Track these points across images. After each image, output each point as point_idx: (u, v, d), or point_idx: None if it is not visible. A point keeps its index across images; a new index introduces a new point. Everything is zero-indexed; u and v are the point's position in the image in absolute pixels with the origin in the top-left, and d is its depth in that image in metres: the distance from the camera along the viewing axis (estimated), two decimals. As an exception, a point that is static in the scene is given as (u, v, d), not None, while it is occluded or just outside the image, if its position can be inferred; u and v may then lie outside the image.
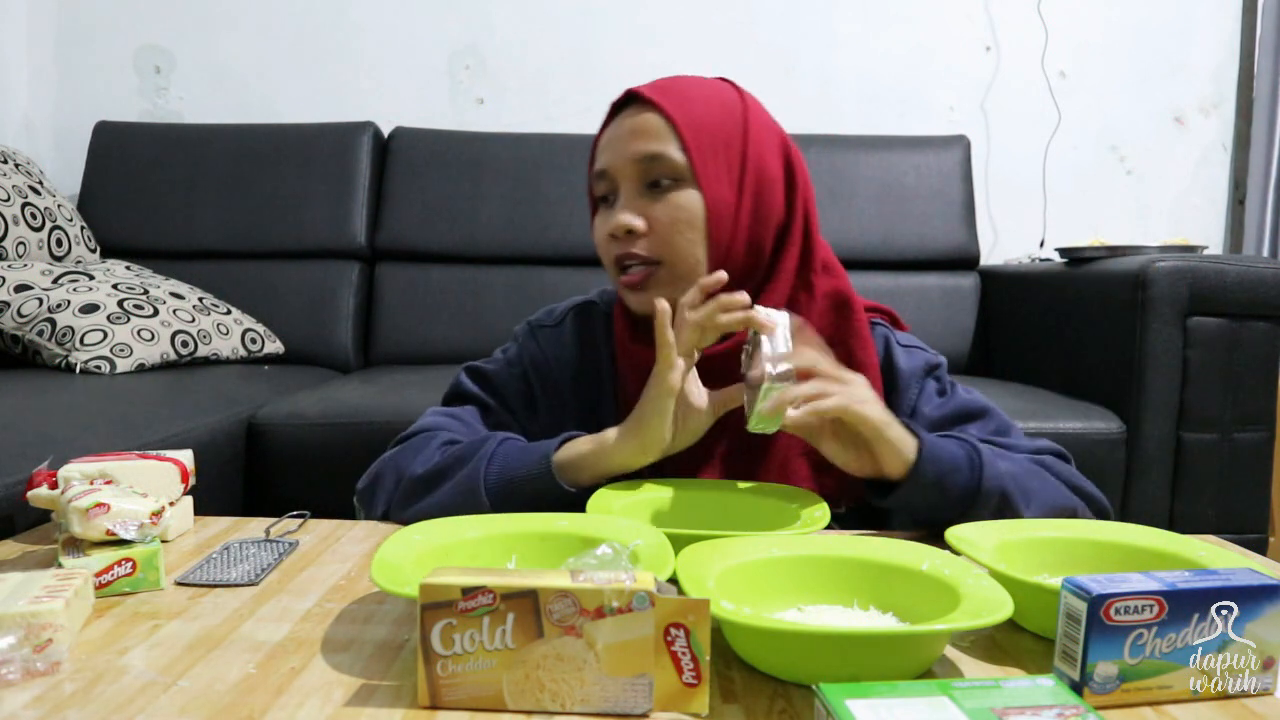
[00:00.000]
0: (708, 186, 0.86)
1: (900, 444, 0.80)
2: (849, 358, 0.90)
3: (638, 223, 0.87)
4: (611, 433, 0.84)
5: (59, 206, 2.00)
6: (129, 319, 1.75)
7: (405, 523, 0.83)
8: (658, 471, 0.89)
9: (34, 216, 1.91)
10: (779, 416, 0.76)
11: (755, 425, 0.78)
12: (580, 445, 0.84)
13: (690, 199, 0.87)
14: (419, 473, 0.87)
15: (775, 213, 0.89)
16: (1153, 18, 2.48)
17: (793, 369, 0.76)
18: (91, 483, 0.76)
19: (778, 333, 0.78)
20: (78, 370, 1.64)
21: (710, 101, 0.89)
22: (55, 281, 1.79)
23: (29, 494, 0.80)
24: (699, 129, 0.87)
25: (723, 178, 0.87)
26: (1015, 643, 0.63)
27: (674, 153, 0.86)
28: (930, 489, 0.80)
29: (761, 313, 0.79)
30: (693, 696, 0.51)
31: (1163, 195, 2.53)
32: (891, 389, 0.94)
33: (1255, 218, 2.44)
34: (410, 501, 0.87)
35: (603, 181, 0.90)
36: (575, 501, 0.82)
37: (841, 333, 0.92)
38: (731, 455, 0.92)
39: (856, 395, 0.79)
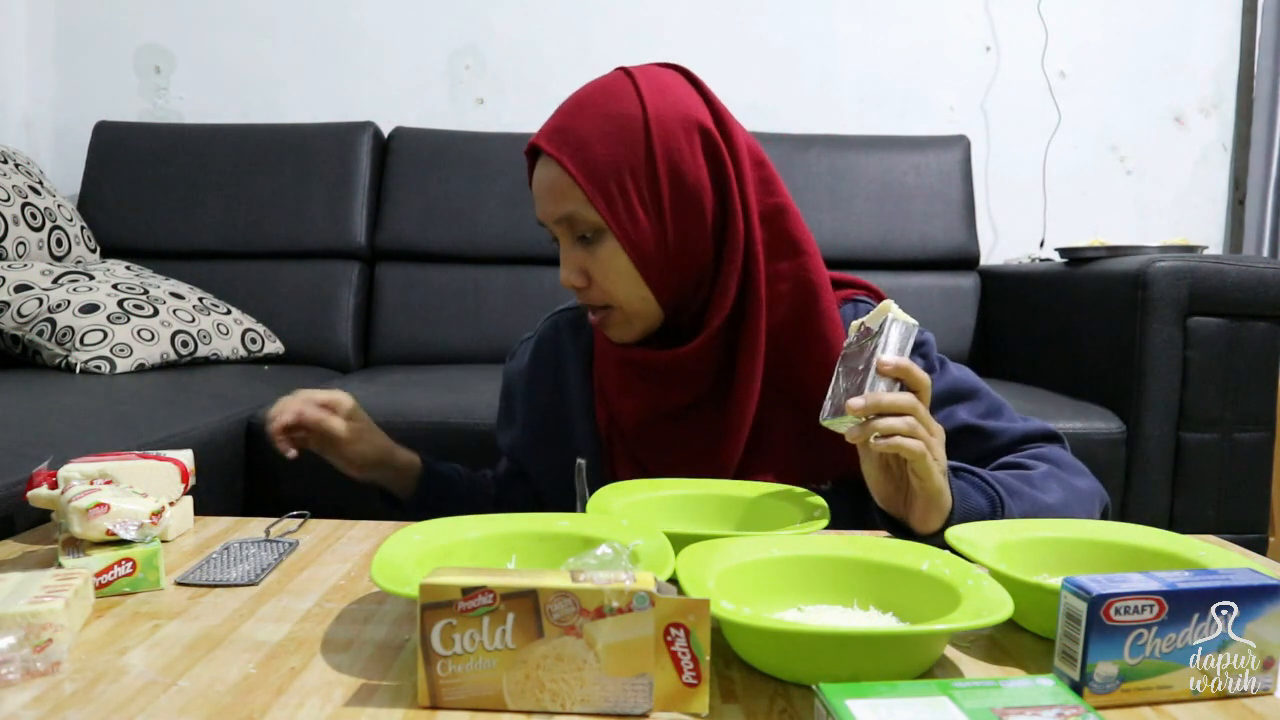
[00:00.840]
0: (623, 234, 0.85)
1: (941, 511, 0.77)
2: (819, 341, 0.89)
3: (578, 281, 0.89)
4: None
5: (59, 206, 2.00)
6: (129, 319, 1.74)
7: None
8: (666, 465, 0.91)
9: (34, 216, 1.91)
10: (852, 427, 0.73)
11: (830, 422, 0.76)
12: None
13: (614, 251, 0.87)
14: None
15: (706, 213, 0.87)
16: (1152, 18, 2.48)
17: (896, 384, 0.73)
18: (91, 483, 0.76)
19: (894, 340, 0.74)
20: (78, 370, 1.64)
21: (608, 131, 0.85)
22: (55, 281, 1.79)
23: (29, 494, 0.80)
24: (601, 173, 0.84)
25: (637, 213, 0.85)
26: (1015, 643, 0.63)
27: (584, 209, 0.86)
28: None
29: (893, 311, 0.75)
30: (693, 696, 0.51)
31: (1163, 195, 2.53)
32: None
33: (1255, 218, 2.44)
34: None
35: (544, 228, 0.92)
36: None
37: (807, 313, 0.90)
38: (713, 426, 0.92)
39: (937, 452, 0.75)
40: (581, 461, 0.92)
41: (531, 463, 1.05)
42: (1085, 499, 0.87)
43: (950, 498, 0.77)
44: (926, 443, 0.73)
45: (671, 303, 0.90)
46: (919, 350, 0.95)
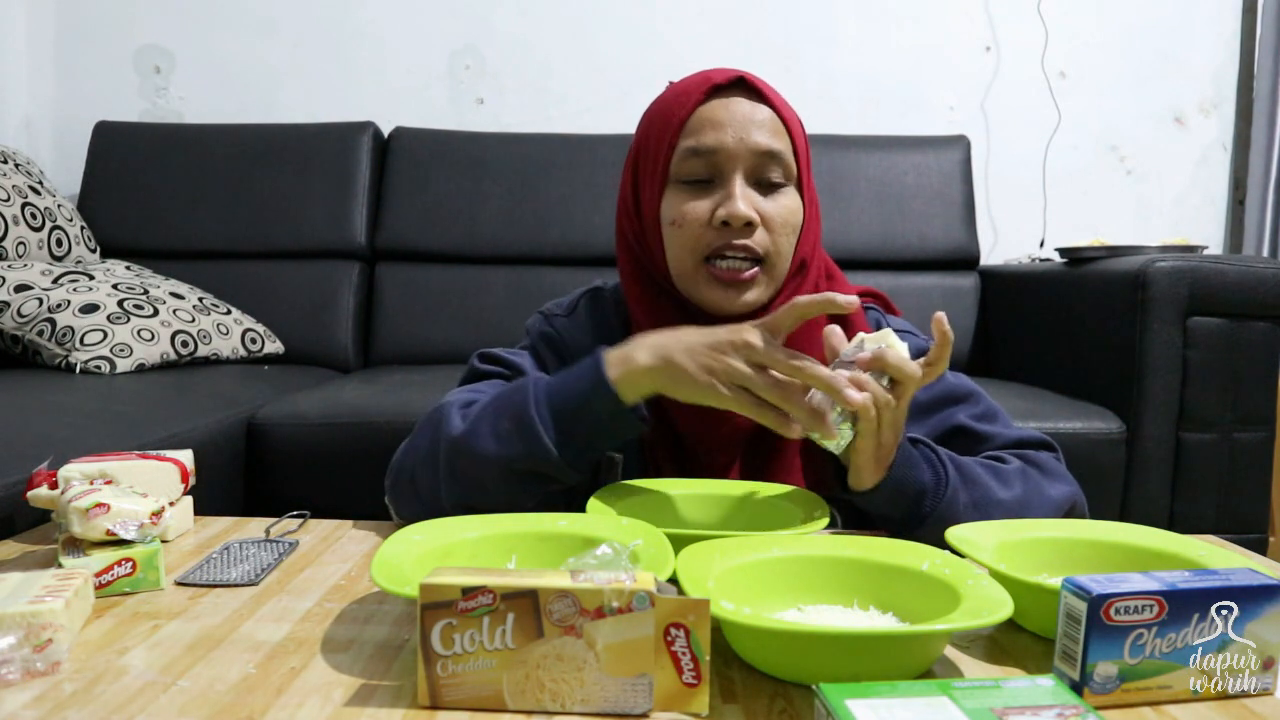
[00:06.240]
0: (805, 192, 0.90)
1: (877, 473, 0.77)
2: None
3: (756, 217, 0.86)
4: (646, 356, 0.76)
5: (59, 206, 2.00)
6: (129, 319, 1.75)
7: (462, 493, 0.79)
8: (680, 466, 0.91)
9: (34, 216, 1.91)
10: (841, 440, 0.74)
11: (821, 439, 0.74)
12: (614, 368, 0.77)
13: (795, 202, 0.89)
14: (457, 433, 0.79)
15: (817, 226, 0.94)
16: (1152, 17, 2.48)
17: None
18: (91, 483, 0.77)
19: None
20: (78, 370, 1.64)
21: (792, 110, 0.92)
22: (55, 281, 1.79)
23: (29, 494, 0.80)
24: (801, 137, 0.90)
25: (807, 188, 0.91)
26: (1015, 643, 0.63)
27: (788, 154, 0.88)
28: (890, 502, 0.79)
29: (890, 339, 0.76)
30: (693, 696, 0.51)
31: (1163, 195, 2.53)
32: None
33: (1255, 218, 2.44)
34: (457, 463, 0.79)
35: (700, 161, 0.87)
36: (631, 423, 0.77)
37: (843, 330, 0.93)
38: (749, 443, 0.93)
39: (885, 420, 0.75)
40: (616, 456, 0.90)
41: None
42: (1047, 501, 0.85)
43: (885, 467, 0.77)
44: (889, 426, 0.74)
45: (779, 286, 0.91)
46: (921, 357, 0.95)
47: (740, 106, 0.87)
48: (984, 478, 0.83)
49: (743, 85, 0.89)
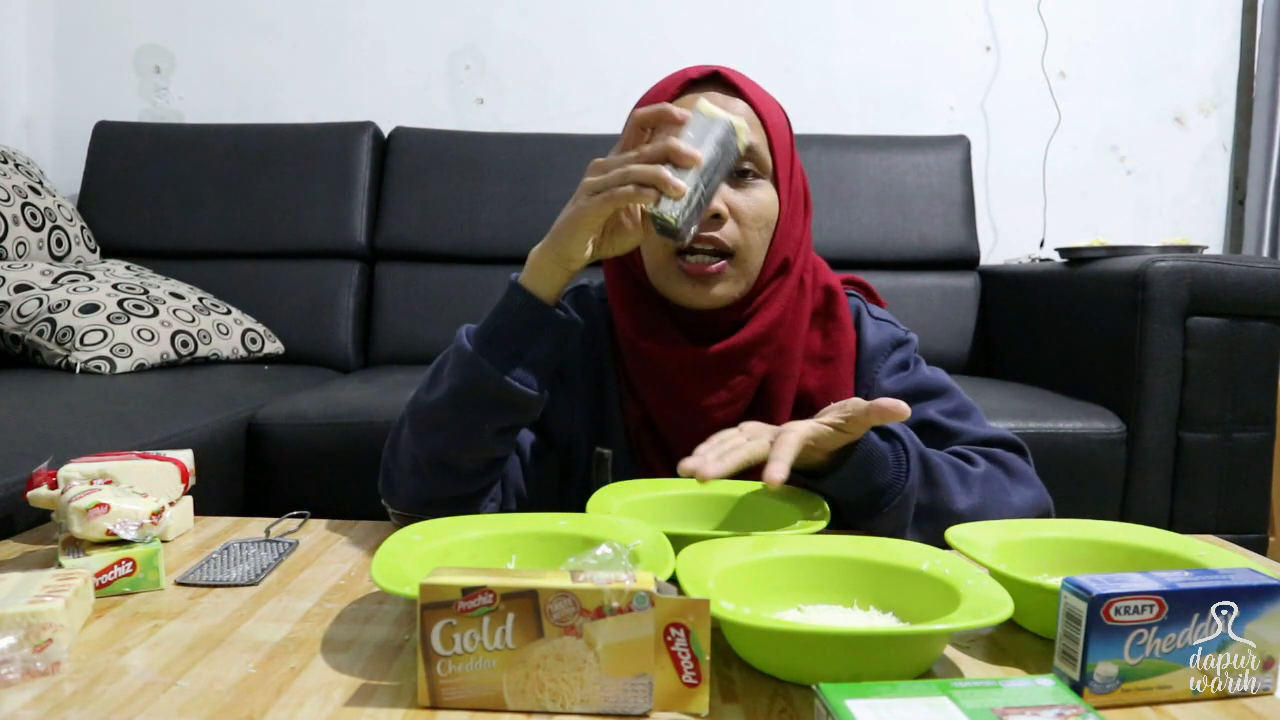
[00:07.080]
0: (782, 187, 0.89)
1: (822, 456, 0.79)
2: (828, 342, 0.94)
3: (724, 209, 0.86)
4: (537, 248, 0.84)
5: (59, 206, 2.00)
6: (129, 319, 1.75)
7: (431, 446, 0.81)
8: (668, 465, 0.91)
9: (34, 216, 1.91)
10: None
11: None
12: (526, 268, 0.84)
13: (770, 195, 0.89)
14: (414, 393, 0.85)
15: (801, 223, 0.93)
16: (1152, 17, 2.48)
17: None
18: (91, 483, 0.77)
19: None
20: (78, 370, 1.64)
21: (777, 106, 0.92)
22: (55, 281, 1.79)
23: (29, 494, 0.80)
24: (779, 130, 0.90)
25: (785, 183, 0.90)
26: (1015, 643, 0.63)
27: (762, 148, 0.88)
28: (852, 485, 0.80)
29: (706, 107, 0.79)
30: (693, 696, 0.51)
31: (1163, 195, 2.53)
32: (857, 360, 0.96)
33: (1255, 218, 2.44)
34: (418, 418, 0.83)
35: None
36: (549, 321, 0.81)
37: (825, 321, 0.95)
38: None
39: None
40: (605, 452, 0.91)
41: (569, 445, 0.97)
42: (1007, 510, 0.85)
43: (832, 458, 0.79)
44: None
45: (758, 280, 0.91)
46: (898, 348, 0.96)
47: (717, 101, 0.87)
48: (949, 481, 0.83)
49: (718, 80, 0.89)
